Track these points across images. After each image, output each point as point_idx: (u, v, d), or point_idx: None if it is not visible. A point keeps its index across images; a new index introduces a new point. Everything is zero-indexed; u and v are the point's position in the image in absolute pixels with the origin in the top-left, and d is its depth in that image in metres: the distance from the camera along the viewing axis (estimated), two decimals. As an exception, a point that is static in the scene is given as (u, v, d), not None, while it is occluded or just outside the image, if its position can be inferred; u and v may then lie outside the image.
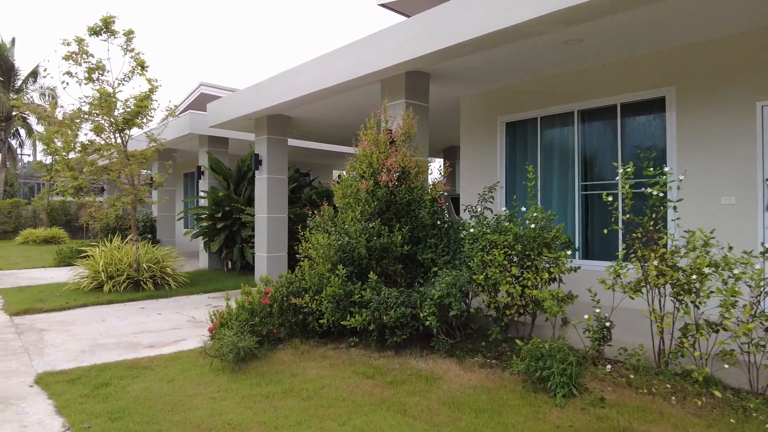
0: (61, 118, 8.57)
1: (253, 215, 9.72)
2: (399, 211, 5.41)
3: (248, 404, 3.60)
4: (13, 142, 31.36)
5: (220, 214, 10.26)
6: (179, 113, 11.61)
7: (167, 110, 9.28)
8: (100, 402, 3.65)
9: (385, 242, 5.08)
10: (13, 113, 28.69)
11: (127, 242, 9.03)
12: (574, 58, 6.09)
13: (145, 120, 8.57)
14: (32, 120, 30.31)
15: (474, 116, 7.87)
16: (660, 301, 3.97)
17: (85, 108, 8.53)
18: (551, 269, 4.59)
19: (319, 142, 12.61)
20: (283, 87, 8.17)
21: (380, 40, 6.37)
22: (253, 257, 9.99)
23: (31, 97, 29.55)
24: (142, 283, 8.33)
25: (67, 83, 8.19)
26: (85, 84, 8.39)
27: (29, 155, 39.32)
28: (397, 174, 5.30)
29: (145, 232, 13.61)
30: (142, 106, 8.18)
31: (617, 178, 4.92)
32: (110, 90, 8.48)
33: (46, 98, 30.06)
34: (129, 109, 8.17)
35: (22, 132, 30.96)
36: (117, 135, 8.98)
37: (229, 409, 3.51)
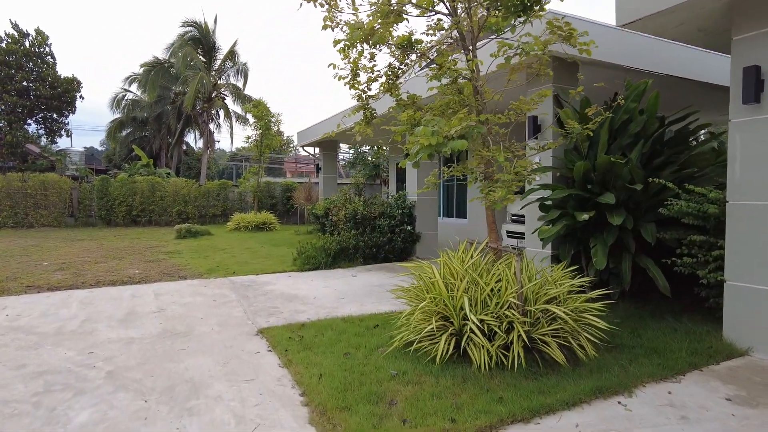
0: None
1: (715, 202, 4.64)
2: None
3: None
4: (211, 126, 31.26)
5: (613, 201, 5.34)
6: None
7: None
8: None
9: None
10: (213, 94, 28.09)
11: (480, 251, 4.59)
12: None
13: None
14: (229, 101, 29.79)
15: None
16: None
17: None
18: None
19: None
20: None
21: None
22: (668, 278, 4.98)
23: (228, 75, 28.79)
24: (539, 346, 3.79)
25: None
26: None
27: (218, 141, 40.28)
28: None
29: (403, 223, 9.49)
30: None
31: None
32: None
33: (239, 77, 29.15)
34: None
35: (221, 113, 30.63)
36: (466, 48, 4.61)
37: None
